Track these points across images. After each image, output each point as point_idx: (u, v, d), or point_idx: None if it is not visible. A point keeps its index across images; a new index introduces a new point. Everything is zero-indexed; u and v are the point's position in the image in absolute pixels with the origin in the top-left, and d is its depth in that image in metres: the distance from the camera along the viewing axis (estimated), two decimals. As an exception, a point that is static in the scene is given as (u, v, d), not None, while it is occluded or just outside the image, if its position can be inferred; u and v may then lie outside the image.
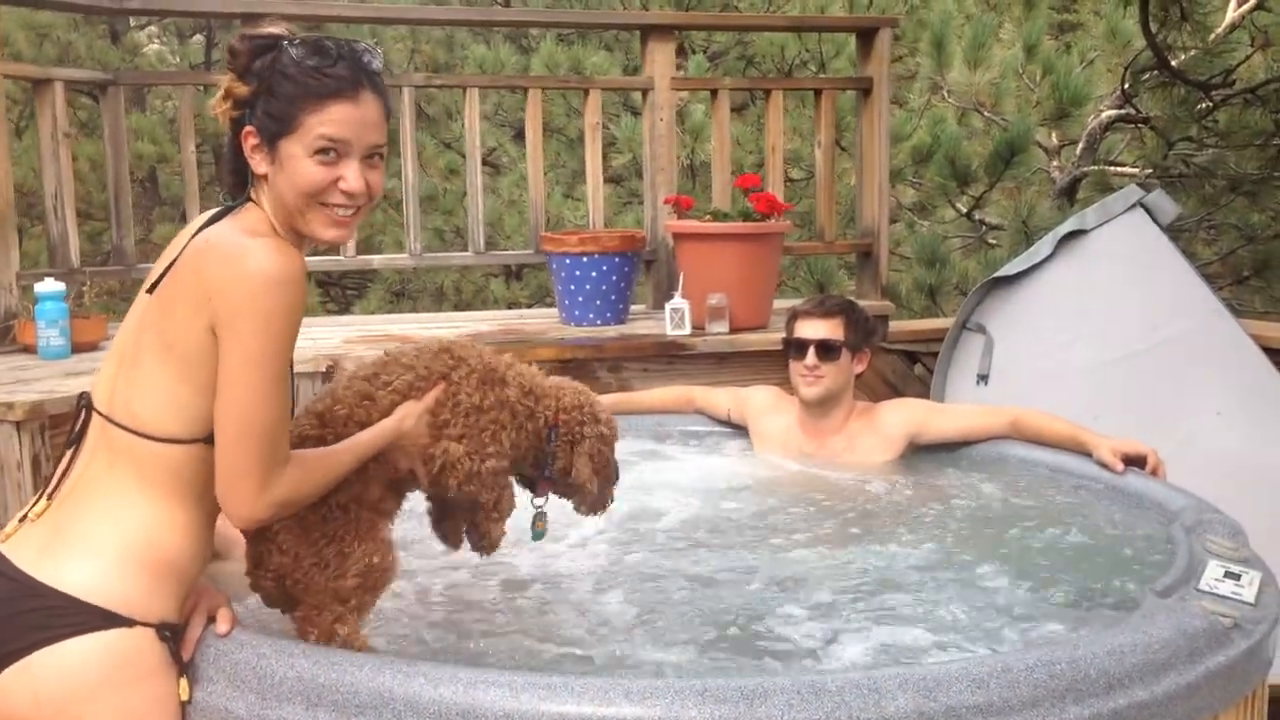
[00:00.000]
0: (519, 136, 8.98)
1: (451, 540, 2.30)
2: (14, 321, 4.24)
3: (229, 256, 1.82)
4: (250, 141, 1.92)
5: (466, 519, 2.23)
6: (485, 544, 2.22)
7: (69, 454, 1.94)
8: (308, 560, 1.99)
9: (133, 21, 12.54)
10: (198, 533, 1.92)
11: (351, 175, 1.92)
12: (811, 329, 3.43)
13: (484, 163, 8.99)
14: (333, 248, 4.23)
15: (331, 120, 1.89)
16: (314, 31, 1.98)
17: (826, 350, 3.39)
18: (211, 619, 1.97)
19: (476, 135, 5.10)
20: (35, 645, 1.78)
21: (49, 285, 4.03)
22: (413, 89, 5.11)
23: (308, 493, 1.93)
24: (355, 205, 1.94)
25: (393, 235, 9.77)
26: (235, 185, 1.99)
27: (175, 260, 1.90)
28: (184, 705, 1.89)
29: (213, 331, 1.82)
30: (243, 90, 1.91)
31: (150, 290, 1.92)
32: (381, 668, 1.82)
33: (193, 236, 1.92)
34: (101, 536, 1.85)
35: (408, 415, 2.08)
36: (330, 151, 1.90)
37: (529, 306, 9.11)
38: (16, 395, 3.31)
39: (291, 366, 1.95)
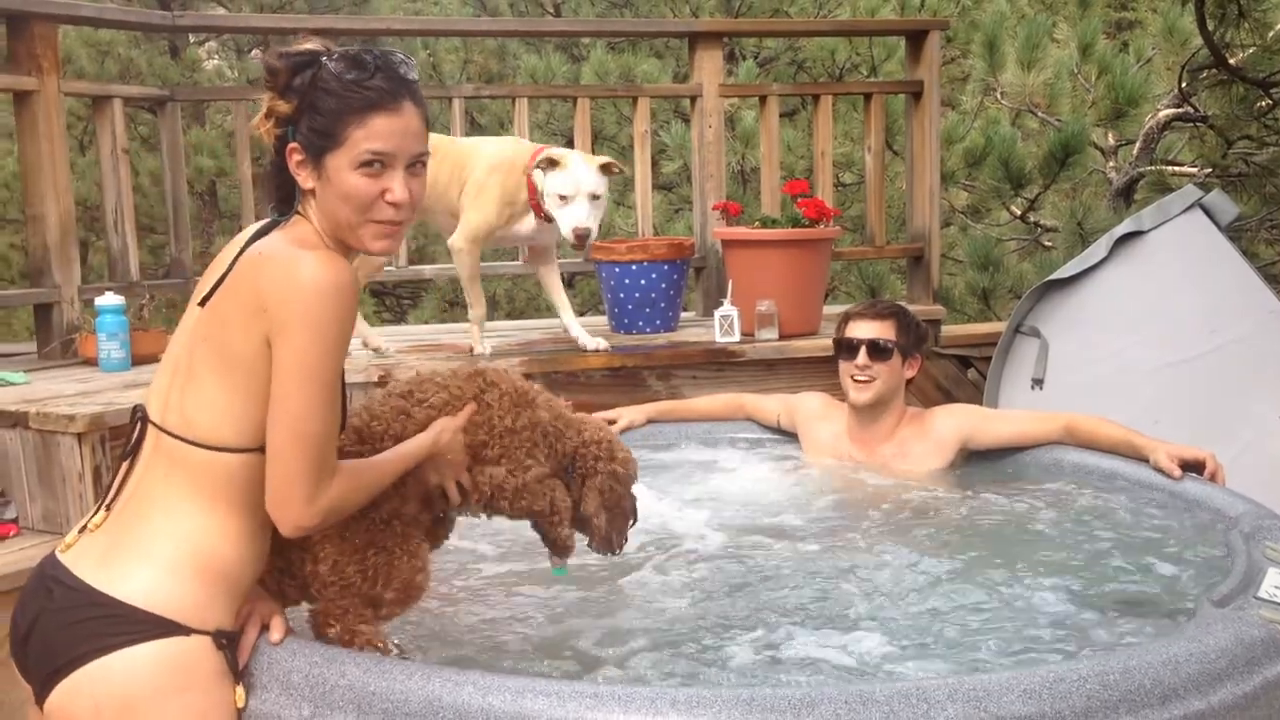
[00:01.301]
0: (571, 145, 9.04)
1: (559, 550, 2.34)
2: (76, 335, 4.34)
3: (283, 267, 1.86)
4: (295, 158, 1.95)
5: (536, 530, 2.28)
6: (561, 551, 2.28)
7: (125, 465, 1.98)
8: (351, 568, 2.02)
9: (191, 38, 12.75)
10: (252, 541, 1.95)
11: (398, 186, 1.94)
12: (863, 329, 3.42)
13: (536, 171, 9.04)
14: (386, 257, 4.29)
15: (375, 133, 1.91)
16: (366, 45, 2.01)
17: (878, 351, 3.37)
18: (265, 627, 2.00)
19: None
20: (94, 653, 1.82)
21: (109, 299, 4.12)
22: (463, 100, 5.15)
23: (354, 502, 1.96)
24: (402, 215, 1.97)
25: (446, 245, 9.86)
26: (281, 200, 2.02)
27: (227, 273, 1.93)
28: (240, 712, 1.92)
29: (268, 341, 1.85)
30: (285, 108, 1.93)
31: (202, 303, 1.96)
32: (431, 676, 1.84)
33: (242, 249, 1.95)
34: (158, 546, 1.88)
35: (444, 430, 2.12)
36: (375, 164, 1.92)
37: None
38: (78, 408, 3.38)
39: (343, 376, 1.98)
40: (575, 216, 3.94)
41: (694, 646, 2.26)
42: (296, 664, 1.93)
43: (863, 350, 3.38)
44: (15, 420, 3.41)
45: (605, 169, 3.97)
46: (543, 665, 2.20)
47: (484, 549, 2.83)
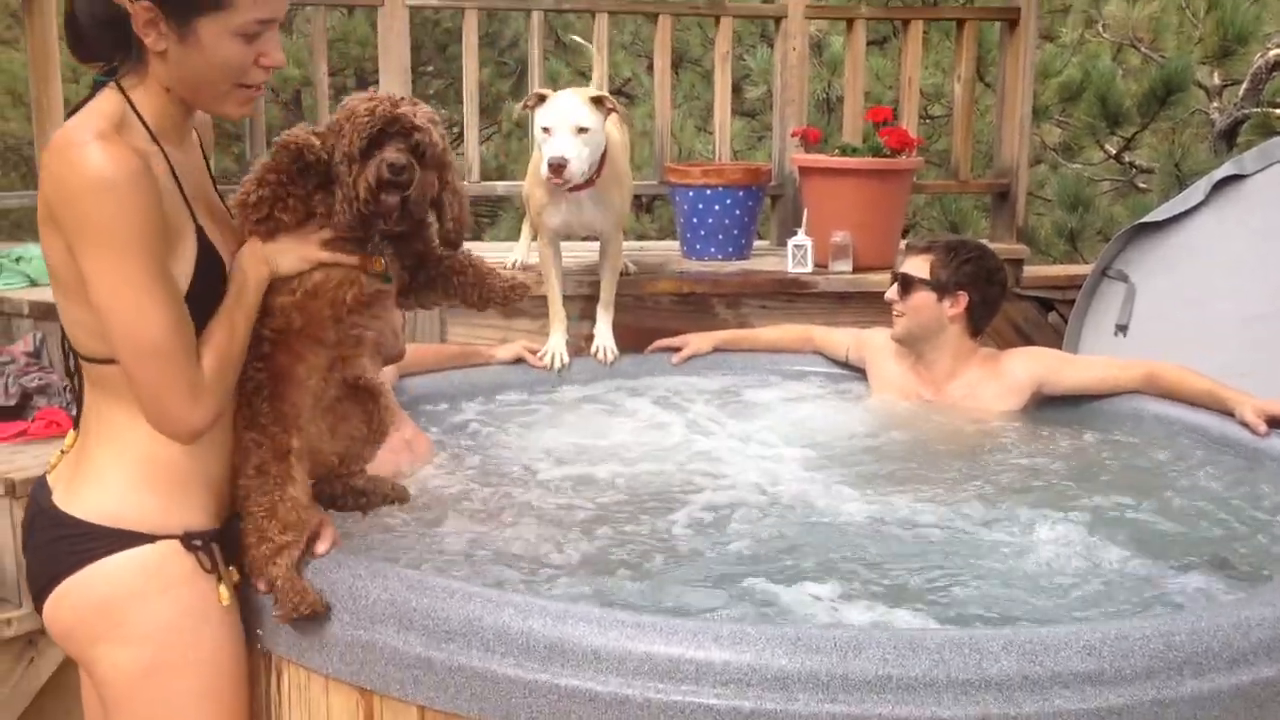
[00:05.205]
0: (651, 67, 8.89)
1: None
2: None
3: (55, 171, 1.69)
4: (144, 16, 1.72)
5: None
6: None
7: (77, 386, 1.93)
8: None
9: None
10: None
11: (276, 52, 1.79)
12: (903, 264, 3.37)
13: (619, 93, 8.91)
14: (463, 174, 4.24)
15: (267, 1, 1.75)
16: None
17: (903, 285, 3.30)
18: (314, 537, 1.97)
19: (605, 63, 5.02)
20: (66, 571, 1.83)
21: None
22: (543, 13, 5.05)
23: (231, 376, 1.85)
24: (268, 78, 1.81)
25: (525, 163, 9.81)
26: (101, 56, 1.79)
27: None
28: (226, 610, 1.89)
29: (71, 251, 1.72)
30: None
31: None
32: (472, 596, 1.82)
33: None
34: (105, 461, 1.85)
35: (246, 252, 1.89)
36: (258, 32, 1.76)
37: (658, 239, 9.07)
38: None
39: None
40: (555, 147, 3.33)
41: (742, 582, 2.21)
42: (339, 575, 1.92)
43: (894, 284, 3.34)
44: None
45: (598, 102, 3.42)
46: (585, 590, 2.17)
47: (518, 470, 2.82)
